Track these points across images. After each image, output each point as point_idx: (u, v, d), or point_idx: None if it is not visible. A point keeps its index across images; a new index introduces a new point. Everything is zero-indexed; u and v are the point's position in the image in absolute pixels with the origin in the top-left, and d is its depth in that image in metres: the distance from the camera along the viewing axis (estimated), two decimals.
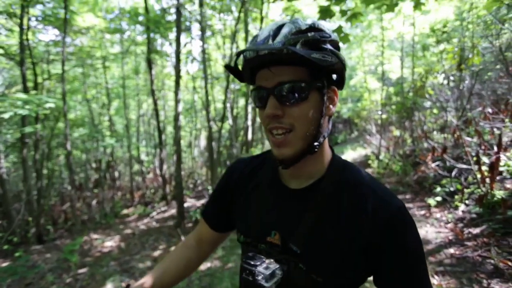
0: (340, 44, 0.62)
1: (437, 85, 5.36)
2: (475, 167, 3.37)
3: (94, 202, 6.94)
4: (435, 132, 5.94)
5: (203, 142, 10.87)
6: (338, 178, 0.59)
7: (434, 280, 2.16)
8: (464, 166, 3.71)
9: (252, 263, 0.56)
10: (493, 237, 2.63)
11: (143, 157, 9.76)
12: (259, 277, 0.54)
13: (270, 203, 0.63)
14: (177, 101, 3.73)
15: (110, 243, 3.77)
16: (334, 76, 0.58)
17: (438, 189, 3.98)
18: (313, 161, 0.59)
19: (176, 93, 3.77)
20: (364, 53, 7.62)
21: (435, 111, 5.77)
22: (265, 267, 0.55)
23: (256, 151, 5.60)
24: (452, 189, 3.88)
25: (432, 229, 3.22)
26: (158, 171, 8.68)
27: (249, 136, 6.04)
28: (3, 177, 5.11)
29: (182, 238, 3.59)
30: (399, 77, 6.67)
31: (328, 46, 0.54)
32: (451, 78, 4.37)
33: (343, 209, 0.55)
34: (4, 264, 3.29)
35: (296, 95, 0.53)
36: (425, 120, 6.02)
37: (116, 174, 8.91)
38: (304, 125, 0.54)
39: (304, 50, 0.50)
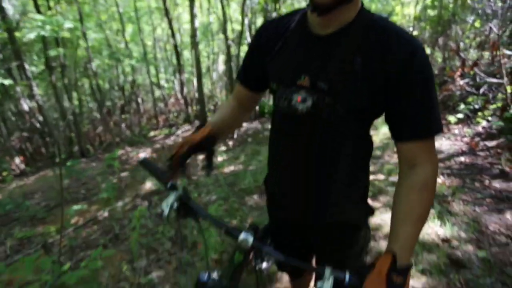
0: None
1: None
2: (507, 80, 3.19)
3: (123, 125, 7.50)
4: (471, 49, 5.41)
5: (221, 66, 10.68)
6: (367, 21, 0.61)
7: (439, 179, 2.34)
8: (495, 81, 3.52)
9: (288, 91, 0.65)
10: (507, 148, 2.67)
11: (162, 83, 9.91)
12: (293, 101, 0.64)
13: (299, 51, 0.67)
14: (192, 16, 3.58)
15: (143, 154, 4.25)
16: None
17: (462, 106, 3.88)
18: (347, 9, 0.59)
19: (191, 7, 3.58)
20: None
21: (477, 24, 5.13)
22: (298, 93, 0.64)
23: None
24: (477, 106, 3.77)
25: (447, 142, 3.29)
26: (179, 95, 8.93)
27: None
28: (39, 103, 5.54)
29: None
30: None
31: None
32: None
33: (370, 48, 0.59)
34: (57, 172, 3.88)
35: None
36: (462, 36, 5.43)
37: (140, 100, 9.30)
38: None
39: None
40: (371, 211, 0.79)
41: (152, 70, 8.98)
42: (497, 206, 1.90)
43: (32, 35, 3.31)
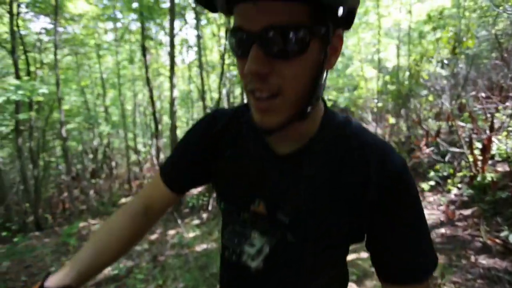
0: None
1: (433, 72, 5.38)
2: (468, 151, 3.42)
3: (91, 192, 6.98)
4: (430, 120, 6.00)
5: None
6: (333, 133, 0.49)
7: None
8: (457, 150, 3.77)
9: (236, 241, 0.50)
10: (483, 217, 2.69)
11: (140, 147, 9.78)
12: (244, 257, 0.49)
13: (252, 167, 0.53)
14: (172, 86, 3.74)
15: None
16: (340, 11, 0.41)
17: (432, 173, 4.04)
18: (303, 121, 0.48)
19: (171, 78, 3.77)
20: (360, 42, 7.58)
21: (430, 98, 5.81)
22: (249, 243, 0.49)
23: None
24: (445, 173, 3.95)
25: (425, 212, 3.29)
26: (155, 160, 8.71)
27: None
28: None
29: (179, 221, 3.64)
30: (395, 65, 6.67)
31: None
32: (445, 62, 4.39)
33: (338, 168, 0.47)
34: (3, 251, 3.32)
35: (292, 46, 0.38)
36: (420, 108, 6.07)
37: (113, 164, 8.94)
38: (296, 87, 0.41)
39: None
40: None
41: (130, 134, 8.94)
42: None
43: (0, 99, 3.20)
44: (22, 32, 5.11)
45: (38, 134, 5.89)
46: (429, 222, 2.92)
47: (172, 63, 3.77)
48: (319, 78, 0.43)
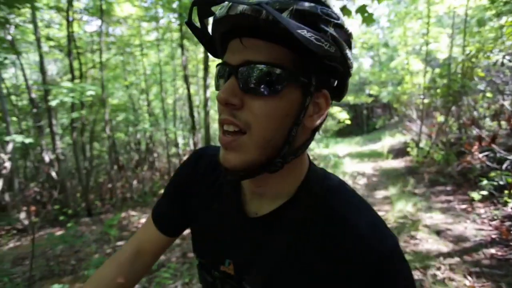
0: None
1: (492, 65, 4.72)
2: None
3: (135, 181, 7.56)
4: (487, 119, 5.32)
5: None
6: (313, 201, 0.44)
7: (467, 281, 2.00)
8: None
9: None
10: None
11: (179, 140, 10.28)
12: None
13: (225, 225, 0.52)
14: (205, 87, 3.83)
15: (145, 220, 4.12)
16: (334, 82, 0.43)
17: (485, 182, 3.60)
18: (279, 179, 0.45)
19: (205, 79, 3.86)
20: (407, 32, 6.95)
21: (488, 95, 5.13)
22: None
23: None
24: (502, 183, 3.49)
25: (472, 226, 2.96)
26: None
27: None
28: (59, 157, 5.76)
29: None
30: (447, 57, 6.01)
31: (330, 30, 0.38)
32: (507, 57, 3.82)
33: (314, 246, 0.42)
34: (59, 232, 3.79)
35: (265, 84, 0.39)
36: (475, 105, 5.41)
37: (155, 155, 9.56)
38: (264, 128, 0.40)
39: (291, 21, 0.34)
40: None
41: (170, 128, 9.46)
42: None
43: (54, 103, 3.58)
44: (76, 35, 5.63)
45: (90, 127, 6.51)
46: (476, 239, 2.64)
47: (206, 64, 3.85)
48: (294, 128, 0.41)
